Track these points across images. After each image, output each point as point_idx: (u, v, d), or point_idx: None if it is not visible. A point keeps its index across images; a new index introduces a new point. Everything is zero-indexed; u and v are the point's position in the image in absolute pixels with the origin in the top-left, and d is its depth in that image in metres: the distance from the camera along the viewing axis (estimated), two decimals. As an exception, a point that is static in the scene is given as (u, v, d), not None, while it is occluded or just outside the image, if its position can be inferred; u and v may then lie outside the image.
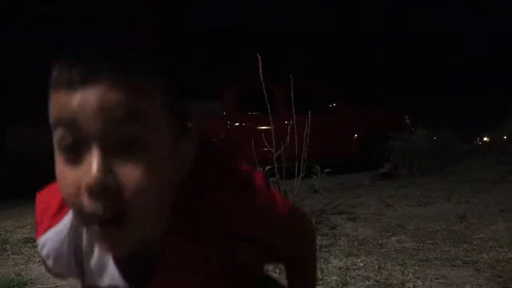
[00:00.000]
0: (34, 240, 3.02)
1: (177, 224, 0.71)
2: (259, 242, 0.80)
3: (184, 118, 0.68)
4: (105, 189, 0.58)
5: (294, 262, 0.94)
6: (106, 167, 0.59)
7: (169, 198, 0.69)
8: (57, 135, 0.61)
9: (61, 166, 0.62)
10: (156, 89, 0.62)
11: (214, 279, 0.78)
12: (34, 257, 2.68)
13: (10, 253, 2.77)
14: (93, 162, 0.58)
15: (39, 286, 2.19)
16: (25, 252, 2.77)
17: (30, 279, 2.25)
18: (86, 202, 0.60)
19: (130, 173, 0.60)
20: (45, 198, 0.81)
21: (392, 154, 6.66)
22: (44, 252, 0.80)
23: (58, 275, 0.85)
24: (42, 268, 2.47)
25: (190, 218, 0.72)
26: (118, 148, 0.60)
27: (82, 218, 0.62)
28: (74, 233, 0.77)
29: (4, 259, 2.66)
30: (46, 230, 0.80)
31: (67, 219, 0.77)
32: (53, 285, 2.19)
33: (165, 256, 0.73)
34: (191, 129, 0.69)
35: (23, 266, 2.52)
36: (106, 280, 0.77)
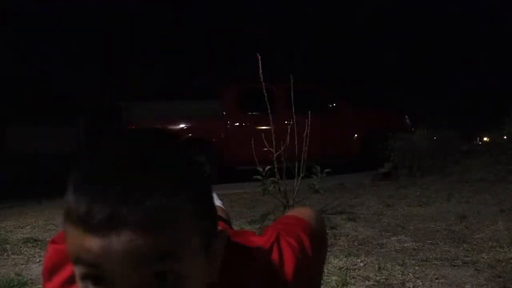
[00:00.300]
0: (34, 240, 3.03)
1: None
2: None
3: (213, 224, 0.63)
4: None
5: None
6: None
7: None
8: (79, 269, 0.55)
9: None
10: (189, 218, 0.56)
11: None
12: (34, 257, 2.68)
13: (10, 253, 2.76)
14: None
15: (39, 286, 2.19)
16: (25, 252, 2.77)
17: (30, 279, 2.25)
18: None
19: None
20: (58, 255, 0.78)
21: (392, 154, 6.66)
22: None
23: None
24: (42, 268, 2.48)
25: None
26: (150, 283, 0.54)
27: None
28: None
29: (4, 259, 2.66)
30: None
31: None
32: (53, 285, 2.19)
33: None
34: (220, 231, 0.64)
35: (23, 266, 2.51)
36: None
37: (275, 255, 0.78)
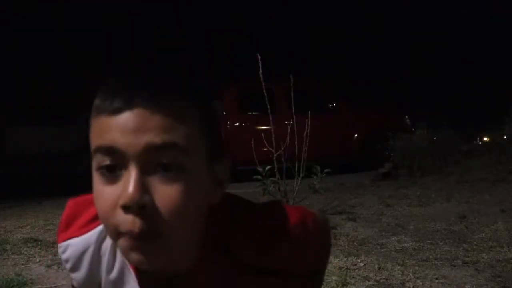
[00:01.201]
0: (34, 240, 3.03)
1: (208, 252, 0.73)
2: (289, 273, 0.80)
3: (218, 143, 0.71)
4: (141, 206, 0.61)
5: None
6: (143, 186, 0.61)
7: (202, 222, 0.70)
8: (97, 158, 0.64)
9: (98, 185, 0.65)
10: (193, 116, 0.65)
11: None
12: (34, 257, 2.68)
13: (10, 253, 2.76)
14: (131, 181, 0.61)
15: (39, 286, 2.19)
16: (25, 252, 2.76)
17: (30, 279, 2.25)
18: (122, 218, 0.62)
19: (166, 193, 0.62)
20: (76, 207, 0.84)
21: (392, 154, 6.66)
22: (64, 256, 0.82)
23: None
24: (42, 268, 2.47)
25: (221, 249, 0.74)
26: (155, 170, 0.62)
27: (116, 233, 0.64)
28: (98, 248, 0.80)
29: (4, 259, 2.66)
30: (70, 236, 0.82)
31: (94, 232, 0.79)
32: (53, 285, 2.19)
33: (191, 280, 0.74)
34: (224, 155, 0.73)
35: (23, 266, 2.51)
36: None
37: (281, 233, 0.78)
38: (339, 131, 7.55)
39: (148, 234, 0.62)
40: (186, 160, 0.63)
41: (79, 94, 13.19)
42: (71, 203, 0.85)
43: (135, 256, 0.64)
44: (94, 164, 0.65)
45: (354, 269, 2.27)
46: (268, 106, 3.72)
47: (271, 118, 3.71)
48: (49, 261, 2.55)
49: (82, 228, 0.81)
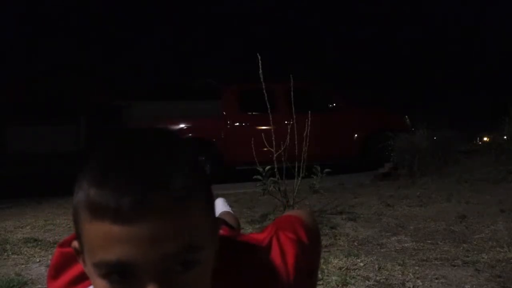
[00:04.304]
0: (34, 240, 3.03)
1: None
2: None
3: (214, 212, 0.66)
4: None
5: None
6: None
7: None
8: (101, 269, 0.56)
9: None
10: (201, 209, 0.59)
11: None
12: (34, 257, 2.68)
13: (10, 253, 2.76)
14: None
15: (39, 286, 2.19)
16: (25, 252, 2.76)
17: (30, 279, 2.25)
18: None
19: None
20: (64, 258, 0.80)
21: (392, 154, 6.66)
22: None
23: None
24: (42, 268, 2.47)
25: None
26: (173, 271, 0.57)
27: None
28: None
29: (4, 259, 2.66)
30: None
31: None
32: (53, 285, 2.18)
33: None
34: (216, 219, 0.68)
35: (23, 266, 2.51)
36: None
37: (275, 248, 0.81)
38: (339, 131, 7.55)
39: None
40: (202, 256, 0.59)
41: (79, 94, 13.21)
42: (58, 253, 0.81)
43: None
44: (96, 272, 0.57)
45: (354, 269, 2.27)
46: (268, 106, 3.72)
47: (271, 118, 3.71)
48: (49, 261, 2.54)
49: (72, 286, 0.78)
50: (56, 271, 0.80)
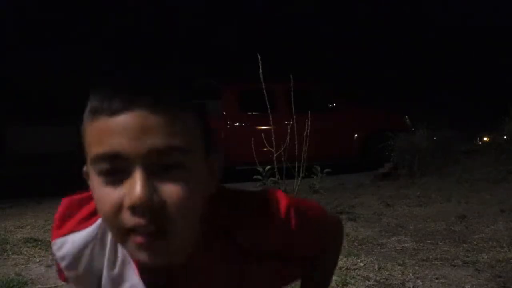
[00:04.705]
0: (34, 240, 3.03)
1: (208, 240, 0.75)
2: (288, 256, 0.83)
3: (211, 138, 0.73)
4: (150, 206, 0.62)
5: (318, 264, 0.95)
6: (150, 186, 0.62)
7: (201, 213, 0.72)
8: (97, 164, 0.64)
9: (100, 189, 0.65)
10: (190, 118, 0.67)
11: None
12: (34, 257, 2.68)
13: (10, 253, 2.76)
14: (137, 182, 0.62)
15: (39, 286, 2.19)
16: (25, 252, 2.77)
17: (30, 279, 2.25)
18: (129, 219, 0.63)
19: (170, 192, 0.64)
20: (71, 204, 0.84)
21: (392, 154, 6.66)
22: (60, 253, 0.81)
23: (67, 279, 0.85)
24: (42, 268, 2.47)
25: (221, 237, 0.76)
26: (158, 171, 0.63)
27: (122, 234, 0.65)
28: (100, 243, 0.79)
29: (4, 259, 2.66)
30: (68, 231, 0.81)
31: (95, 227, 0.79)
32: (53, 285, 2.19)
33: (191, 269, 0.76)
34: (216, 149, 0.75)
35: (23, 266, 2.51)
36: None
37: (280, 214, 0.80)
38: (339, 131, 7.55)
39: (156, 232, 0.64)
40: (186, 159, 0.65)
41: (79, 94, 13.18)
42: (65, 201, 0.85)
43: (143, 254, 0.66)
44: (94, 170, 0.65)
45: (354, 269, 2.27)
46: (268, 106, 3.72)
47: (271, 118, 3.71)
48: (49, 261, 2.55)
49: (82, 223, 0.81)
50: (62, 220, 0.83)
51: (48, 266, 2.48)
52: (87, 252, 0.80)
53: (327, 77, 13.93)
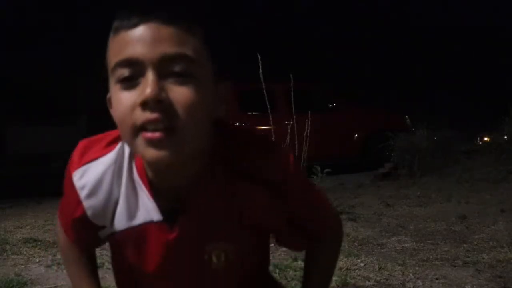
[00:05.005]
0: (34, 240, 3.03)
1: (212, 168, 0.82)
2: (280, 203, 0.87)
3: (222, 65, 0.81)
4: (159, 102, 0.70)
5: (312, 238, 0.98)
6: (160, 86, 0.70)
7: (208, 134, 0.79)
8: (117, 72, 0.73)
9: (118, 94, 0.74)
10: (199, 33, 0.75)
11: (234, 225, 0.86)
12: (34, 257, 2.68)
13: (9, 253, 2.76)
14: (149, 82, 0.70)
15: (39, 286, 2.19)
16: (24, 252, 2.77)
17: (30, 279, 2.25)
18: (140, 114, 0.71)
19: (179, 92, 0.72)
20: (89, 142, 0.90)
21: (392, 154, 6.66)
22: (81, 182, 0.86)
23: (83, 220, 0.89)
24: (42, 268, 2.47)
25: (224, 167, 0.83)
26: (170, 76, 0.72)
27: (134, 132, 0.72)
28: (117, 171, 0.86)
29: (4, 259, 2.66)
30: (87, 162, 0.87)
31: (112, 154, 0.86)
32: (53, 285, 2.19)
33: (198, 193, 0.82)
34: (227, 77, 0.84)
35: (23, 266, 2.51)
36: (141, 217, 0.85)
37: (279, 155, 0.88)
38: (339, 131, 7.55)
39: (164, 129, 0.71)
40: (195, 69, 0.73)
41: (79, 94, 13.21)
42: (83, 141, 0.91)
43: (152, 151, 0.72)
44: (114, 79, 0.74)
45: (355, 269, 2.27)
46: (268, 106, 3.72)
47: (271, 118, 3.71)
48: (48, 261, 2.55)
49: (101, 151, 0.87)
50: (81, 154, 0.89)
51: (48, 266, 2.48)
52: (107, 178, 0.86)
53: (327, 77, 13.93)
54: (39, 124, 12.72)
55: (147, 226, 0.85)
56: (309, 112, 3.86)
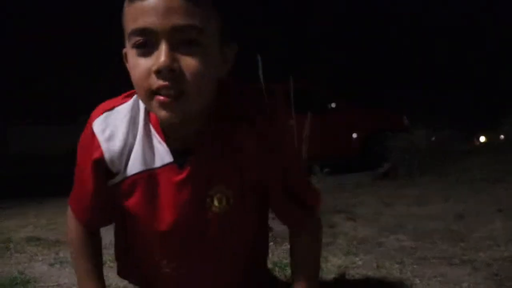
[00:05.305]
0: (37, 239, 3.06)
1: (216, 118, 0.95)
2: (275, 157, 0.99)
3: (229, 30, 0.90)
4: (171, 70, 0.81)
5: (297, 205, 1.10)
6: (172, 56, 0.81)
7: (213, 92, 0.92)
8: (132, 38, 0.84)
9: (134, 59, 0.85)
10: (214, 10, 0.85)
11: (235, 173, 0.98)
12: (37, 255, 2.71)
13: (13, 251, 2.79)
14: (162, 52, 0.81)
15: (42, 284, 2.22)
16: (28, 251, 2.80)
17: (33, 277, 2.27)
18: (155, 81, 0.82)
19: (189, 62, 0.82)
20: (108, 100, 1.04)
21: (391, 154, 6.68)
22: (102, 125, 0.99)
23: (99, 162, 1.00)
24: (45, 266, 2.50)
25: (226, 116, 0.95)
26: (180, 45, 0.82)
27: (149, 94, 0.84)
28: (134, 116, 0.99)
29: (8, 257, 2.69)
30: (109, 109, 1.01)
31: (130, 102, 1.00)
32: (56, 284, 2.21)
33: (204, 139, 0.95)
34: (233, 39, 0.93)
35: (26, 264, 2.54)
36: (154, 160, 0.97)
37: (278, 124, 1.00)
38: (339, 131, 7.57)
39: (174, 94, 0.82)
40: (203, 37, 0.83)
41: (80, 94, 13.19)
42: (102, 104, 1.03)
43: (164, 112, 0.85)
44: (130, 43, 0.85)
45: (353, 267, 2.30)
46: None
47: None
48: (51, 260, 2.58)
49: (121, 101, 1.02)
50: (102, 107, 1.02)
51: (51, 264, 2.51)
52: (123, 125, 0.98)
53: (327, 77, 13.94)
54: (40, 124, 12.73)
55: (159, 169, 0.97)
56: (309, 112, 3.89)
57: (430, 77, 18.12)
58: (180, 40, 0.82)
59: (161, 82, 0.82)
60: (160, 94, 0.83)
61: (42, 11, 14.96)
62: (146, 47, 0.83)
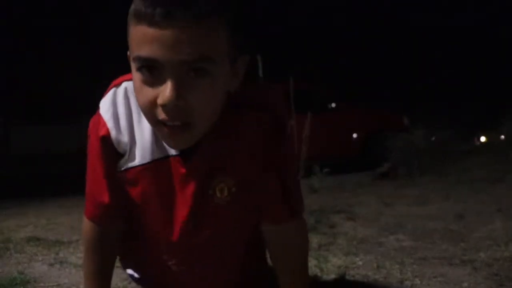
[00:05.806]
0: (37, 239, 3.06)
1: (223, 123, 0.92)
2: (274, 150, 0.99)
3: (241, 42, 0.86)
4: (176, 106, 0.78)
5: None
6: (178, 92, 0.77)
7: (222, 104, 0.89)
8: (137, 63, 0.79)
9: (139, 83, 0.81)
10: (223, 29, 0.79)
11: (239, 163, 0.98)
12: (37, 255, 2.71)
13: (13, 251, 2.79)
14: (168, 86, 0.76)
15: (42, 284, 2.22)
16: (28, 251, 2.79)
17: (33, 278, 2.27)
18: (160, 113, 0.80)
19: (197, 96, 0.79)
20: (116, 80, 1.03)
21: (391, 154, 6.69)
22: (106, 105, 0.99)
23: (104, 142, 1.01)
24: (45, 266, 2.50)
25: (230, 115, 0.94)
26: (188, 76, 0.78)
27: (155, 122, 0.82)
28: (127, 102, 0.98)
29: (7, 257, 2.68)
30: (119, 83, 1.01)
31: (122, 86, 0.99)
32: (55, 284, 2.21)
33: (210, 134, 0.93)
34: (244, 51, 0.90)
35: (26, 264, 2.54)
36: (161, 152, 0.97)
37: (283, 133, 1.01)
38: (338, 131, 7.57)
39: (180, 126, 0.81)
40: (213, 68, 0.79)
41: (80, 94, 13.19)
42: (111, 85, 1.03)
43: (170, 141, 0.85)
44: (134, 65, 0.80)
45: (353, 268, 2.29)
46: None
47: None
48: (51, 260, 2.57)
49: (128, 76, 0.97)
50: (112, 85, 1.02)
51: (51, 264, 2.51)
52: (121, 107, 0.97)
53: (327, 77, 13.94)
54: (40, 124, 12.73)
55: (165, 160, 0.96)
56: (309, 112, 3.89)
57: (430, 77, 18.12)
58: (188, 71, 0.78)
59: (166, 115, 0.80)
60: (166, 125, 0.82)
61: (42, 11, 14.96)
62: (151, 76, 0.79)
